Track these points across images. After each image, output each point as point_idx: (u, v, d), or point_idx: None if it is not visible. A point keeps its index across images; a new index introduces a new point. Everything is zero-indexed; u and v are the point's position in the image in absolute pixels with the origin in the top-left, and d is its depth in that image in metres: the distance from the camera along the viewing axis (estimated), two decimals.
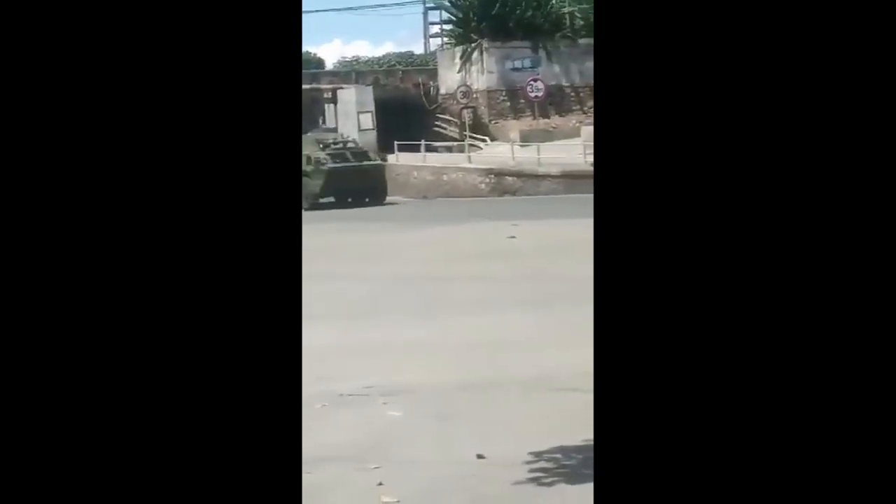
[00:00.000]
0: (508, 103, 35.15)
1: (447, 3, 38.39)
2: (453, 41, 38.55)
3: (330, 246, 16.28)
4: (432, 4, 43.41)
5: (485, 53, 35.31)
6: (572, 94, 34.99)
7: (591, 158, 18.25)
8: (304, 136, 27.47)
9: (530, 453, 4.80)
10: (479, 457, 4.94)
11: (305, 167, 25.30)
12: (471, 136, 31.80)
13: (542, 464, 4.63)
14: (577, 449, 4.71)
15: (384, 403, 6.07)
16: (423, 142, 30.37)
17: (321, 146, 26.37)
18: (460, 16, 37.22)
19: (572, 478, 4.39)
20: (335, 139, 27.85)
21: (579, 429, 4.65)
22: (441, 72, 38.01)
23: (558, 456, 4.71)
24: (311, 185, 24.95)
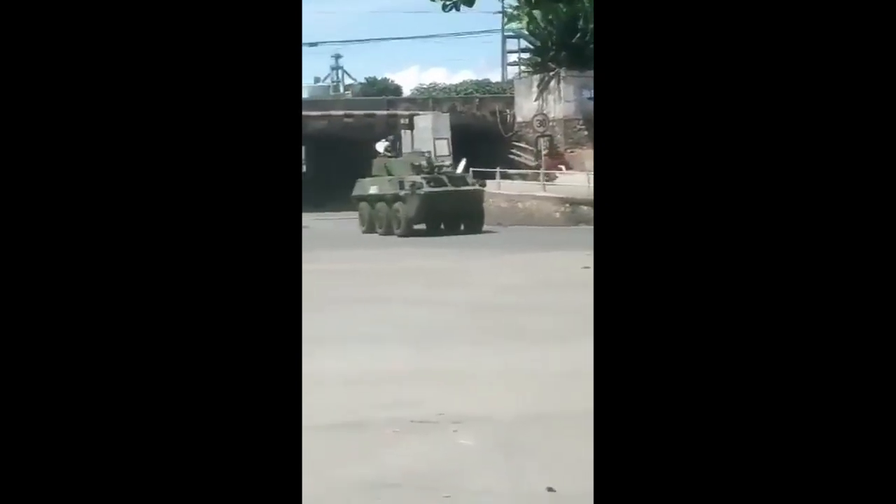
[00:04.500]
0: (585, 132, 35.01)
1: (526, 32, 38.45)
2: (531, 69, 38.60)
3: (402, 270, 16.31)
4: (511, 33, 43.53)
5: (562, 82, 35.28)
6: None
7: None
8: (395, 159, 27.69)
9: None
10: (550, 489, 4.87)
11: (399, 191, 25.44)
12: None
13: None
14: None
15: (455, 431, 6.02)
16: (498, 169, 30.35)
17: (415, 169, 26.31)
18: (538, 44, 37.28)
19: None
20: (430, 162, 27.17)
21: None
22: (518, 100, 38.05)
23: None
24: (404, 210, 25.23)
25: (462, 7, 4.06)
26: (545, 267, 16.21)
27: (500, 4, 43.21)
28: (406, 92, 46.74)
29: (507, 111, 38.41)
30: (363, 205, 27.39)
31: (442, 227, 25.50)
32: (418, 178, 25.43)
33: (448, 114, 36.28)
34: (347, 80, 52.82)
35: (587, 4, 33.50)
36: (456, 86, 44.36)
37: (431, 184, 25.31)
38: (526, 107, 36.80)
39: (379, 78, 51.07)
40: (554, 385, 7.33)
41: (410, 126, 34.43)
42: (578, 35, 34.95)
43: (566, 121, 35.27)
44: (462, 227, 25.29)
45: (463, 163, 26.98)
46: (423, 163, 26.72)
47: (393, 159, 27.94)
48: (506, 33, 45.77)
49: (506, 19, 42.47)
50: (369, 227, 26.78)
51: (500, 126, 37.71)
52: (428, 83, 45.97)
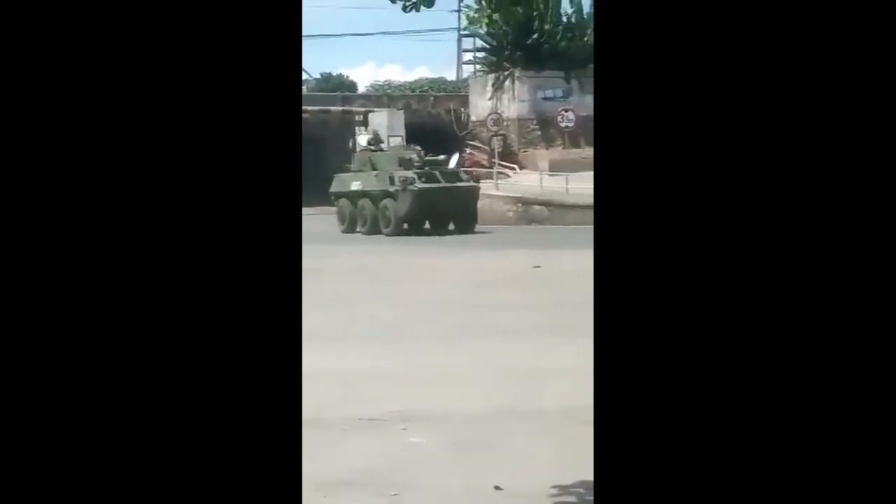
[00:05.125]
0: (539, 132, 35.15)
1: (481, 31, 38.48)
2: (486, 69, 38.66)
3: (358, 267, 16.28)
4: (467, 32, 43.58)
5: (517, 82, 35.40)
6: None
7: None
8: (381, 153, 25.51)
9: (552, 486, 4.74)
10: (497, 488, 4.89)
11: (388, 187, 23.74)
12: (500, 164, 31.82)
13: (565, 498, 4.57)
14: None
15: (404, 429, 6.03)
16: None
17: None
18: (494, 44, 37.33)
19: None
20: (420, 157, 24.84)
21: None
22: (472, 98, 38.11)
23: (581, 490, 4.64)
24: (394, 207, 23.51)
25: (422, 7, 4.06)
26: (498, 265, 16.26)
27: (457, 3, 43.27)
28: (361, 88, 46.58)
29: (462, 110, 38.44)
30: (343, 202, 25.09)
31: (427, 226, 23.79)
32: (409, 174, 23.49)
33: (403, 111, 36.23)
34: (303, 76, 52.49)
35: (542, 7, 33.64)
36: (411, 83, 44.30)
37: (423, 179, 23.39)
38: (480, 105, 36.86)
39: (334, 74, 50.87)
40: (511, 382, 7.37)
41: (365, 123, 34.33)
42: (534, 36, 35.06)
43: (520, 120, 35.37)
44: (452, 227, 23.69)
45: (455, 157, 24.82)
46: (414, 157, 24.59)
47: (378, 153, 25.57)
48: (462, 32, 45.85)
49: (466, 21, 42.45)
50: (349, 226, 24.70)
51: (454, 124, 37.74)
52: (383, 80, 45.85)
